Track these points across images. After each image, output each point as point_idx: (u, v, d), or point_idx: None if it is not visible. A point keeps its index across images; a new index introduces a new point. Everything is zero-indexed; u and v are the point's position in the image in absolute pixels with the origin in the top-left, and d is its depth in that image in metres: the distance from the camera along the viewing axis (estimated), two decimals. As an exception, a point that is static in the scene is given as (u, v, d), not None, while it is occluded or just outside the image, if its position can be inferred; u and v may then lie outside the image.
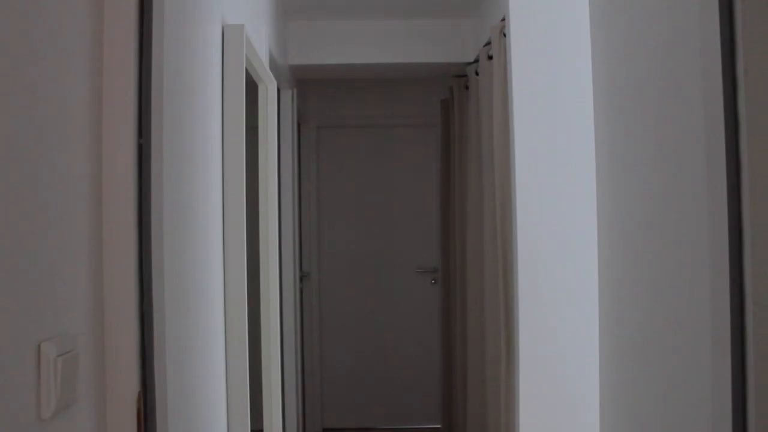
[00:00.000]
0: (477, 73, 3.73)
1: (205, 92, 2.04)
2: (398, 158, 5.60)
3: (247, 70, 2.53)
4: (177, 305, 1.59)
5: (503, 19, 3.07)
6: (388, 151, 5.58)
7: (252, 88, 2.91)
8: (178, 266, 1.62)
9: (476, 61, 3.81)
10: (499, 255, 3.11)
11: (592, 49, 2.34)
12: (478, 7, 4.11)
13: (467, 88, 4.12)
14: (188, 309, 1.76)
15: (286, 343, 4.31)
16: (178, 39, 1.66)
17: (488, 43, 3.40)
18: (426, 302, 5.51)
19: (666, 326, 1.65)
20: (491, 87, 3.32)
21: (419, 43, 4.47)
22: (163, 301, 1.36)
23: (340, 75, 5.12)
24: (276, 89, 3.15)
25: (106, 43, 1.21)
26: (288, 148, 4.39)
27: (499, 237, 3.11)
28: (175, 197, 1.58)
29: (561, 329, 2.74)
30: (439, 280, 5.08)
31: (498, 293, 3.17)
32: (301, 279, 4.91)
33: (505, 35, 2.98)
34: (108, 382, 1.20)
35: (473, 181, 3.82)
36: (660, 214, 1.68)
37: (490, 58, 3.34)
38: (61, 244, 1.06)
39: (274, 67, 3.56)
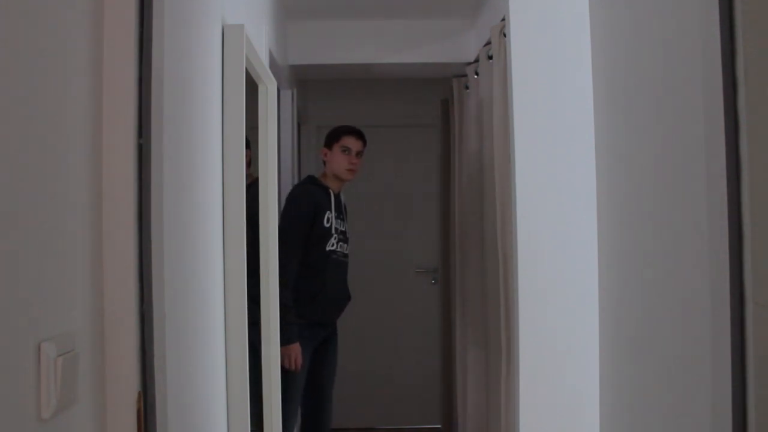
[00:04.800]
0: (477, 73, 3.73)
1: (205, 92, 2.04)
2: (398, 158, 5.59)
3: (247, 70, 2.52)
4: (177, 305, 1.59)
5: (503, 19, 3.07)
6: (388, 151, 5.58)
7: (252, 88, 2.91)
8: (178, 266, 1.62)
9: (476, 61, 3.81)
10: (499, 255, 3.11)
11: (592, 50, 2.34)
12: (478, 7, 4.11)
13: (467, 88, 4.12)
14: (188, 309, 1.76)
15: (286, 343, 4.30)
16: (178, 39, 1.66)
17: (488, 43, 3.39)
18: (426, 302, 5.50)
19: (666, 326, 1.65)
20: (491, 87, 3.32)
21: (419, 43, 4.47)
22: (163, 301, 1.36)
23: (340, 75, 5.12)
24: (276, 89, 3.15)
25: (106, 43, 1.21)
26: (288, 148, 4.39)
27: (499, 237, 3.11)
28: (175, 197, 1.58)
29: (561, 329, 2.73)
30: (439, 280, 5.08)
31: (498, 293, 3.17)
32: (301, 279, 4.90)
33: (505, 35, 2.98)
34: (108, 382, 1.20)
35: (473, 181, 3.82)
36: (660, 214, 1.68)
37: (490, 58, 3.34)
38: (61, 244, 1.06)
39: (274, 67, 3.56)
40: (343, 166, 3.61)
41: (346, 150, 3.62)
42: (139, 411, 1.21)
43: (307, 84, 5.38)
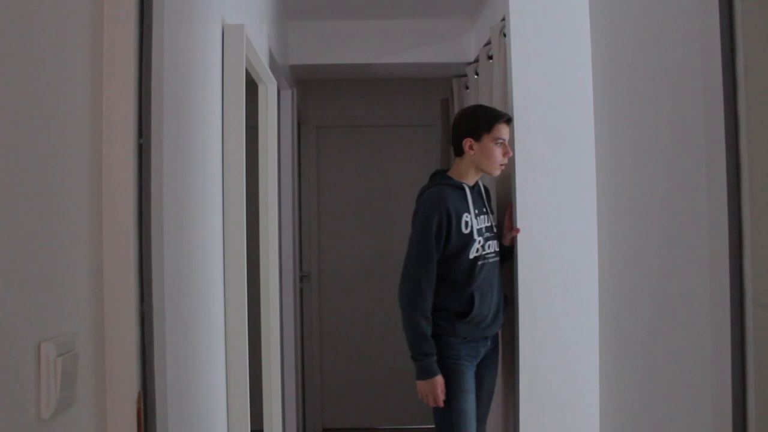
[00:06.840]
0: (477, 73, 3.73)
1: (205, 92, 2.04)
2: (398, 158, 5.59)
3: (247, 70, 2.52)
4: (177, 305, 1.59)
5: (503, 19, 3.07)
6: (388, 151, 5.57)
7: (252, 88, 2.91)
8: (178, 266, 1.62)
9: (476, 61, 3.81)
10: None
11: (592, 49, 2.34)
12: (478, 7, 4.11)
13: (467, 88, 4.12)
14: (188, 309, 1.76)
15: (285, 343, 4.31)
16: (178, 39, 1.66)
17: (488, 43, 3.40)
18: (426, 302, 5.49)
19: (666, 326, 1.65)
20: (491, 87, 3.32)
21: (419, 43, 4.47)
22: (163, 301, 1.36)
23: (340, 75, 5.12)
24: (276, 89, 3.15)
25: (106, 43, 1.21)
26: (288, 148, 4.39)
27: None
28: (175, 197, 1.58)
29: (561, 329, 2.73)
30: (439, 280, 5.07)
31: (498, 293, 3.17)
32: (301, 279, 4.91)
33: (505, 35, 2.98)
34: (108, 382, 1.20)
35: (473, 181, 3.82)
36: (660, 214, 1.68)
37: (490, 58, 3.34)
38: (61, 244, 1.06)
39: (274, 67, 3.56)
40: (498, 160, 2.91)
41: (500, 141, 2.90)
42: (139, 411, 1.21)
43: (307, 84, 5.38)
